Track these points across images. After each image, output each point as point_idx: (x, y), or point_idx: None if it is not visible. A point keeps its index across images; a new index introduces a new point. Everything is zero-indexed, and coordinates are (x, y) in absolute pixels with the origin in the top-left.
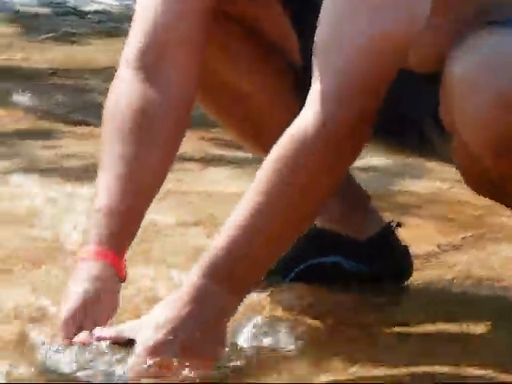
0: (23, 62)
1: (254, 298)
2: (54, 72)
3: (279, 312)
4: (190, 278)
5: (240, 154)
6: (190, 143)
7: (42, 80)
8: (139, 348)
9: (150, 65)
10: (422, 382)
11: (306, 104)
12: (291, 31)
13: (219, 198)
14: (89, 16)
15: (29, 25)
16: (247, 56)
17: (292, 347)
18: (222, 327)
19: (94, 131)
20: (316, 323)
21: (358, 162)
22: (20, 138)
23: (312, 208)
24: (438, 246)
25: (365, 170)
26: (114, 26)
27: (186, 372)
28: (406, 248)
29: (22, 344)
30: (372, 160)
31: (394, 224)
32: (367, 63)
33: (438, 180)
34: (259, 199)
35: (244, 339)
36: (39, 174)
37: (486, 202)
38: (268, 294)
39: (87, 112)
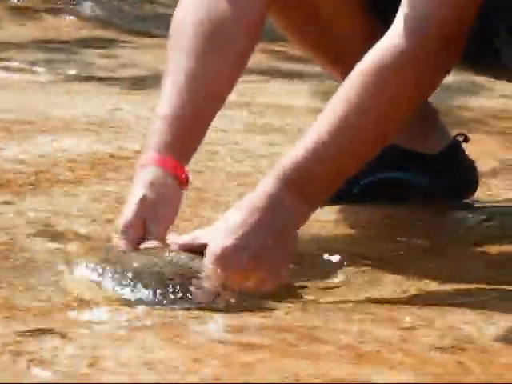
0: None
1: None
2: None
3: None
4: (263, 186)
5: (302, 67)
6: (252, 56)
7: None
8: (208, 256)
9: None
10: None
11: (396, 21)
12: None
13: (279, 109)
14: None
15: None
16: None
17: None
18: (293, 237)
19: (154, 42)
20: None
21: None
22: (81, 45)
23: (396, 123)
24: (502, 162)
25: None
26: None
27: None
28: (472, 163)
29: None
30: None
31: (461, 138)
32: None
33: (504, 97)
34: (343, 111)
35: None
36: (97, 82)
37: None
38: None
39: (149, 23)
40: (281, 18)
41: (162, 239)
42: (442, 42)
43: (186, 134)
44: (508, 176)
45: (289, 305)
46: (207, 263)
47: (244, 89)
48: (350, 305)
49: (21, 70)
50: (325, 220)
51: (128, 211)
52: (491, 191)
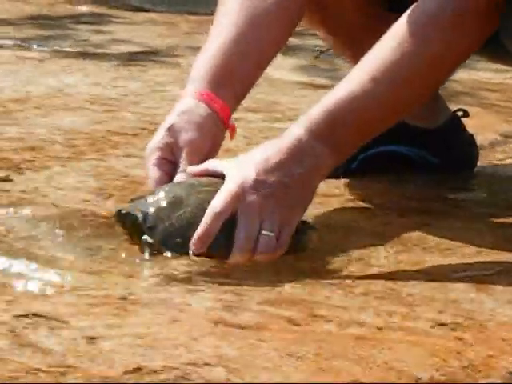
0: None
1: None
2: None
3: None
4: (291, 131)
5: (301, 42)
6: None
7: None
8: (225, 186)
9: None
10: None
11: None
12: None
13: (280, 85)
14: None
15: None
16: None
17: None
18: (313, 187)
19: (147, 17)
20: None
21: None
22: (74, 21)
23: (431, 84)
24: (502, 135)
25: None
26: None
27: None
28: (471, 137)
29: None
30: None
31: (460, 113)
32: None
33: (493, 70)
34: (379, 67)
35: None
36: (91, 58)
37: None
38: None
39: None
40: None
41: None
42: (490, 4)
43: (225, 71)
44: (507, 148)
45: (291, 279)
46: (223, 193)
47: None
48: (349, 281)
49: (13, 47)
50: (322, 194)
51: (154, 138)
52: (491, 164)
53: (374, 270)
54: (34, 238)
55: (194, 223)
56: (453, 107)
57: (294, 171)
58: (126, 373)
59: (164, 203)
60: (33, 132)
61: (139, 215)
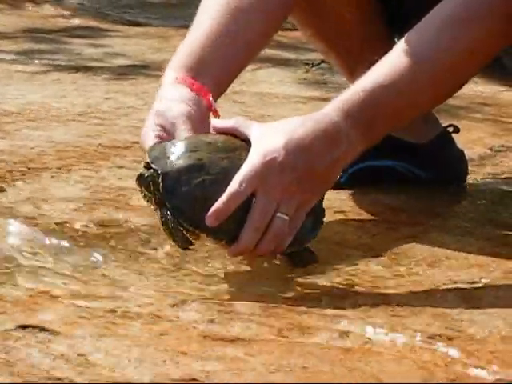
0: None
1: None
2: None
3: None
4: (329, 113)
5: (294, 56)
6: None
7: None
8: (251, 158)
9: None
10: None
11: None
12: None
13: (271, 99)
14: None
15: None
16: None
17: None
18: (339, 171)
19: (141, 30)
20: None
21: None
22: (67, 35)
23: (470, 72)
24: (491, 149)
25: None
26: None
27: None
28: (461, 152)
29: None
30: None
31: (451, 129)
32: None
33: (495, 84)
34: (409, 58)
35: None
36: (84, 72)
37: None
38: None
39: (136, 12)
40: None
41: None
42: None
43: (214, 57)
44: (497, 161)
45: (278, 291)
46: (247, 170)
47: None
48: (337, 292)
49: (6, 60)
50: None
51: (145, 126)
52: (481, 177)
53: (362, 282)
54: (22, 249)
55: (211, 197)
56: (442, 119)
57: (325, 158)
58: None
59: (185, 164)
60: (24, 145)
61: (159, 178)
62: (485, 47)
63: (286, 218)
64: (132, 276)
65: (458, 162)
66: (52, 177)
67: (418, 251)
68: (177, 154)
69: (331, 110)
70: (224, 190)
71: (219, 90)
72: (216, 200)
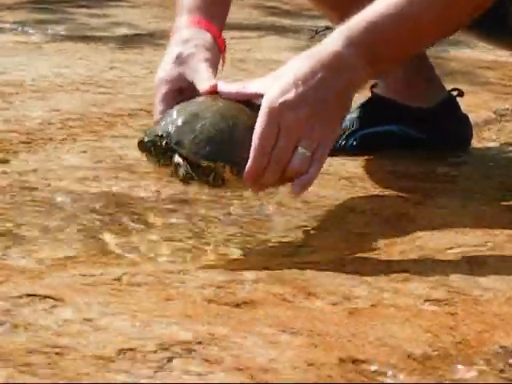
0: None
1: None
2: None
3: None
4: (331, 42)
5: (298, 22)
6: (247, 11)
7: None
8: (264, 107)
9: None
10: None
11: None
12: None
13: (275, 65)
14: None
15: None
16: None
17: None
18: (350, 98)
19: (146, 0)
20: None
21: None
22: (70, 5)
23: (471, 8)
24: (495, 112)
25: None
26: None
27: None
28: (466, 116)
29: None
30: None
31: (455, 92)
32: None
33: (487, 48)
34: None
35: None
36: (89, 42)
37: None
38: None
39: None
40: None
41: (212, 89)
42: None
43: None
44: (501, 127)
45: (281, 259)
46: (264, 117)
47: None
48: (341, 258)
49: (10, 31)
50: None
51: (161, 69)
52: (484, 142)
53: (367, 247)
54: (28, 219)
55: (218, 130)
56: (447, 85)
57: (334, 86)
58: (119, 352)
59: (181, 120)
60: (28, 115)
61: (163, 137)
62: None
63: (308, 153)
64: (136, 245)
65: (462, 126)
66: (55, 147)
67: (423, 216)
68: (172, 117)
69: (332, 40)
70: (227, 123)
71: (222, 30)
72: (224, 132)
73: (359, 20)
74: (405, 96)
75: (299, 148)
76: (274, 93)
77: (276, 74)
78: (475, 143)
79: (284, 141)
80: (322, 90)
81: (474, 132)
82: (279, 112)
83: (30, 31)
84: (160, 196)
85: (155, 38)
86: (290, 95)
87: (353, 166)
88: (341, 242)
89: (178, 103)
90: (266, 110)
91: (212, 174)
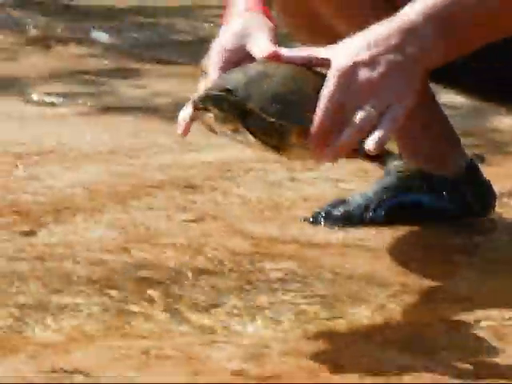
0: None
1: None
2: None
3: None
4: (407, 12)
5: None
6: None
7: (119, 19)
8: (338, 63)
9: None
10: None
11: None
12: None
13: None
14: None
15: None
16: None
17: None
18: (425, 70)
19: (175, 69)
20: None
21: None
22: (105, 76)
23: None
24: None
25: (451, 107)
26: None
27: None
28: (489, 183)
29: None
30: (457, 98)
31: (477, 159)
32: None
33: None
34: None
35: None
36: (132, 112)
37: None
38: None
39: (168, 50)
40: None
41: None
42: None
43: None
44: None
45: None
46: (333, 76)
47: None
48: (368, 328)
49: (41, 101)
50: (343, 244)
51: (223, 37)
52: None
53: (395, 322)
54: (55, 288)
55: (286, 91)
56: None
57: (405, 51)
58: None
59: (247, 78)
60: (55, 185)
61: (229, 90)
62: None
63: (376, 113)
64: (163, 318)
65: (486, 193)
66: (83, 219)
67: (446, 288)
68: (236, 75)
69: (407, 10)
70: (297, 83)
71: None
72: (295, 92)
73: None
74: (431, 166)
75: (366, 109)
76: (343, 55)
77: (345, 41)
78: (498, 213)
79: (352, 102)
80: (396, 53)
81: (497, 202)
82: (350, 72)
83: (59, 101)
84: (187, 269)
85: (181, 107)
86: (362, 56)
87: (376, 235)
88: (364, 312)
89: None
90: (336, 70)
91: (276, 135)
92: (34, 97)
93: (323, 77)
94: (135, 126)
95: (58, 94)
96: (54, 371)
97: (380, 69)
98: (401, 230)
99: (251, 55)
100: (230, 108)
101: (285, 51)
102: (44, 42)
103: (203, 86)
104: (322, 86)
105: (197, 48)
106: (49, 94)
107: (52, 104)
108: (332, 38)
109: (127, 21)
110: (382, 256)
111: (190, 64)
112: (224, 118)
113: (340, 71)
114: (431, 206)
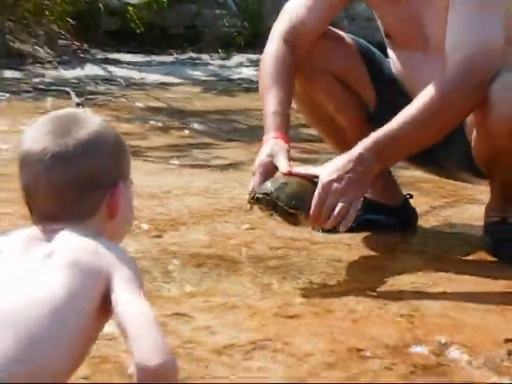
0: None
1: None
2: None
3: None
4: (357, 149)
5: None
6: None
7: (207, 116)
8: (321, 181)
9: (289, 40)
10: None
11: (448, 68)
12: (368, 81)
13: None
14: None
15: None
16: (338, 93)
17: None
18: (369, 179)
19: (237, 144)
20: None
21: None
22: (191, 147)
23: (446, 124)
24: (432, 207)
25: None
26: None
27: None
28: (414, 209)
29: None
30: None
31: (408, 195)
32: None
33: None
34: (415, 113)
35: None
36: (202, 167)
37: (454, 185)
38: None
39: (242, 134)
40: (303, 109)
41: (289, 171)
42: (481, 82)
43: (285, 120)
44: (437, 216)
45: (301, 307)
46: (322, 184)
47: None
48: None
49: (154, 162)
50: (338, 242)
51: (260, 158)
52: (427, 223)
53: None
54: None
55: (299, 192)
56: (403, 188)
57: (358, 171)
58: None
59: (275, 186)
60: (172, 208)
61: (268, 194)
62: (458, 107)
63: (345, 205)
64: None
65: (412, 215)
66: (187, 228)
67: (382, 263)
68: (272, 183)
69: (360, 147)
70: (303, 188)
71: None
72: (300, 193)
73: (376, 137)
74: (382, 197)
75: (339, 202)
76: (326, 174)
77: (326, 165)
78: (421, 226)
79: (330, 200)
80: (352, 172)
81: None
82: (328, 185)
83: (167, 162)
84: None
85: (243, 165)
86: (334, 176)
87: (359, 241)
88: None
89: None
90: (321, 184)
91: (293, 216)
92: (152, 159)
93: (315, 184)
94: (214, 176)
95: (166, 158)
96: None
97: (344, 182)
98: (366, 235)
99: (276, 166)
100: (268, 204)
101: (294, 169)
102: (160, 129)
103: (252, 183)
104: (315, 190)
105: (249, 133)
106: (160, 157)
107: (161, 162)
108: (333, 127)
109: (212, 117)
110: (356, 249)
111: (244, 141)
112: (264, 208)
113: (323, 184)
114: (385, 221)
